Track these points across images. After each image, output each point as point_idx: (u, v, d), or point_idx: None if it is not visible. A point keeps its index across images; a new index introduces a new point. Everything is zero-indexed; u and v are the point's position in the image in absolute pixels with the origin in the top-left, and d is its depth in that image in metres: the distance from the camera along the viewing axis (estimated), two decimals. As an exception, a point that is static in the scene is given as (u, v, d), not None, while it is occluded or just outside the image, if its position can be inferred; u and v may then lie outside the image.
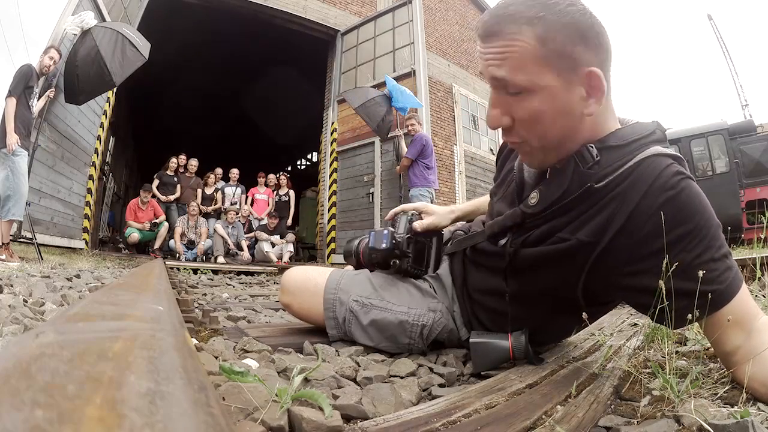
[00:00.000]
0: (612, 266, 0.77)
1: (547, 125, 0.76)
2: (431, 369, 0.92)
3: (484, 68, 0.77)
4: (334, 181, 7.56)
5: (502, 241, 0.92)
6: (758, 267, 1.52)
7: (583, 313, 0.83)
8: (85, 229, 5.69)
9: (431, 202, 4.85)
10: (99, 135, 5.88)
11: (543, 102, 0.73)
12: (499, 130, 0.82)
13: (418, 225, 1.10)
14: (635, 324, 1.39)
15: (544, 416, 0.62)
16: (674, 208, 0.70)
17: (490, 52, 0.74)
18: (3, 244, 3.53)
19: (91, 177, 5.78)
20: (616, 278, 0.79)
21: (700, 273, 0.66)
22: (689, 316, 0.69)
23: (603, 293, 0.87)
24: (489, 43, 0.74)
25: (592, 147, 0.77)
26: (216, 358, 0.84)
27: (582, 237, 0.78)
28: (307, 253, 9.12)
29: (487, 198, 1.24)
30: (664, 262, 0.68)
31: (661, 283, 0.68)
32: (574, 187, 0.79)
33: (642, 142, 0.77)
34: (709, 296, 0.68)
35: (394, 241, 1.08)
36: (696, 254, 0.70)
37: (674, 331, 0.93)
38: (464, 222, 1.22)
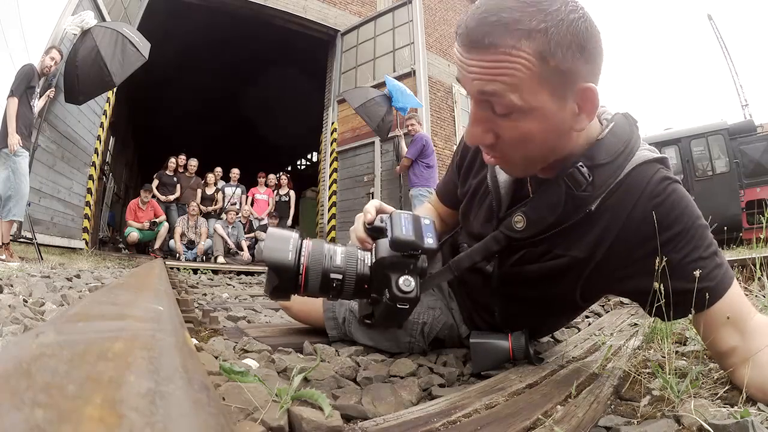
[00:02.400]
0: (606, 274, 0.78)
1: (536, 145, 0.70)
2: (431, 369, 0.92)
3: (467, 81, 0.66)
4: (334, 181, 7.55)
5: (489, 267, 0.89)
6: (758, 267, 1.52)
7: (582, 308, 0.84)
8: (85, 229, 5.68)
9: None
10: (99, 135, 5.88)
11: (534, 123, 0.66)
12: None
13: None
14: (635, 324, 1.39)
15: (544, 416, 0.62)
16: (661, 213, 0.71)
17: (479, 65, 0.63)
18: (3, 244, 3.53)
19: (91, 177, 5.77)
20: (610, 284, 0.81)
21: (694, 271, 0.67)
22: (685, 312, 0.70)
23: (600, 294, 0.90)
24: (477, 55, 0.63)
25: (582, 166, 0.73)
26: (216, 358, 0.84)
27: (576, 253, 0.78)
28: (307, 253, 9.10)
29: (422, 213, 1.14)
30: (655, 263, 0.68)
31: (656, 284, 0.69)
32: (570, 211, 0.76)
33: (627, 151, 0.75)
34: (702, 293, 0.68)
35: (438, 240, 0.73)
36: (684, 254, 0.71)
37: (674, 330, 0.93)
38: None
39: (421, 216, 0.74)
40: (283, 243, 0.67)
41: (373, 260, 0.70)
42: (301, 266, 0.67)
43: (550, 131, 0.68)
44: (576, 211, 0.76)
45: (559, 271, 0.81)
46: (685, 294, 0.68)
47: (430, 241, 0.69)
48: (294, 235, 0.69)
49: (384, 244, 0.70)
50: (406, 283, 0.67)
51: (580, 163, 0.73)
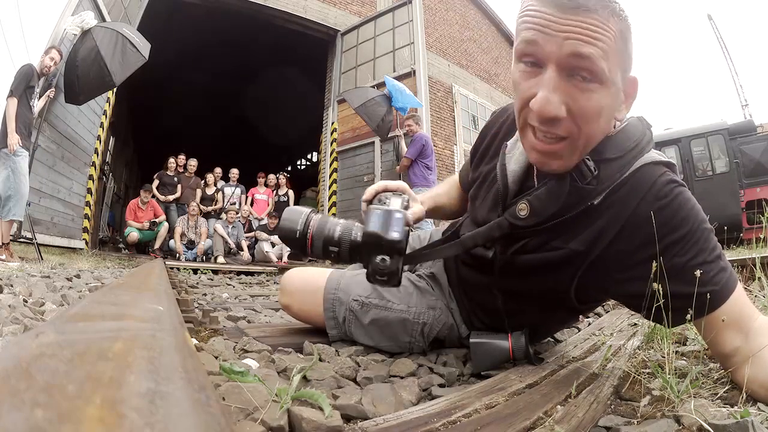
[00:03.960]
0: (604, 272, 0.78)
1: (601, 123, 0.71)
2: (431, 369, 0.92)
3: (560, 42, 0.65)
4: (334, 181, 7.56)
5: (490, 254, 0.90)
6: (758, 267, 1.51)
7: (579, 309, 0.83)
8: (85, 229, 5.69)
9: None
10: (99, 135, 5.88)
11: (607, 98, 0.68)
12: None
13: (411, 215, 0.88)
14: (635, 324, 1.39)
15: (544, 416, 0.62)
16: (666, 216, 0.71)
17: (580, 25, 0.64)
18: (3, 244, 3.53)
19: (91, 177, 5.78)
20: (608, 283, 0.80)
21: (697, 273, 0.67)
22: (687, 316, 0.69)
23: (596, 294, 0.89)
24: (578, 16, 0.64)
25: (589, 160, 0.74)
26: (216, 358, 0.84)
27: (575, 246, 0.78)
28: (307, 253, 9.09)
29: (444, 188, 1.20)
30: (659, 266, 0.68)
31: (656, 285, 0.69)
32: (572, 202, 0.76)
33: (637, 150, 0.76)
34: (706, 297, 0.68)
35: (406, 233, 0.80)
36: (689, 257, 0.71)
37: (674, 330, 0.93)
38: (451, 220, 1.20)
39: (395, 210, 0.82)
40: (295, 216, 0.84)
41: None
42: (308, 234, 0.83)
43: (611, 112, 0.72)
44: (579, 203, 0.76)
45: (557, 263, 0.81)
46: (687, 298, 0.68)
47: (394, 234, 0.79)
48: (306, 210, 0.85)
49: (362, 228, 0.83)
50: (383, 262, 0.79)
51: (587, 156, 0.74)
